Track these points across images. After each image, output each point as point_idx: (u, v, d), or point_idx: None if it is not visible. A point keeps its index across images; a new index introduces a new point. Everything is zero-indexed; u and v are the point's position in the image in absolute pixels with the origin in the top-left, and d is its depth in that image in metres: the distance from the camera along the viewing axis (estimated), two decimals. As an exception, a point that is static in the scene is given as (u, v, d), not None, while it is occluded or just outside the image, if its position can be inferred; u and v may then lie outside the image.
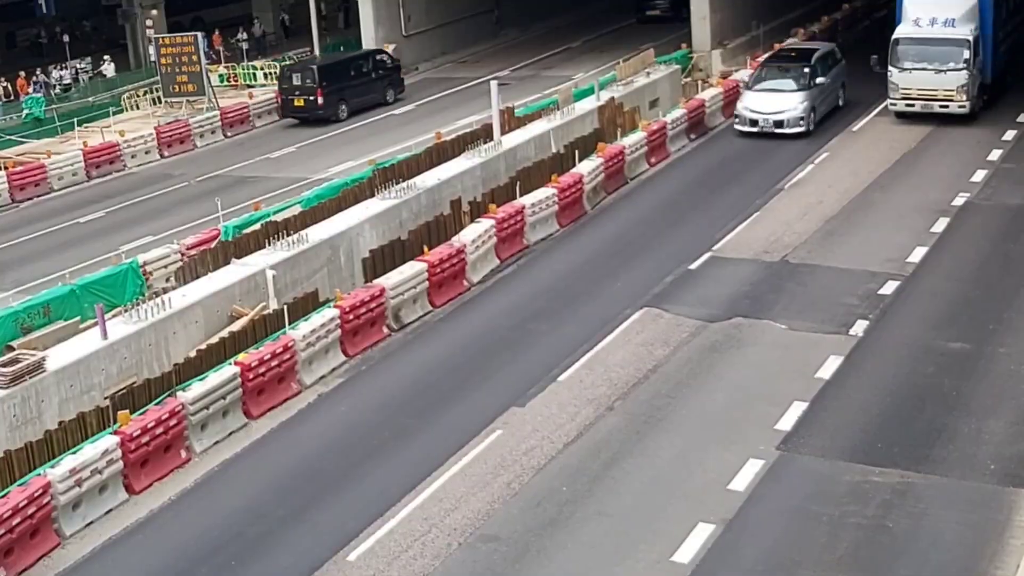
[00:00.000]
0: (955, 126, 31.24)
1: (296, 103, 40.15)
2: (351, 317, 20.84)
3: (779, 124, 31.43)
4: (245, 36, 53.15)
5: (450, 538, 15.26)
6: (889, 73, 31.36)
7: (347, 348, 20.91)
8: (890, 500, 15.28)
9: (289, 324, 20.29)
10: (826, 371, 18.83)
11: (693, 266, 23.51)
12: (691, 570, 14.21)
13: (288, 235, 23.18)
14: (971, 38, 30.54)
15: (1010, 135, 30.53)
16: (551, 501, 15.88)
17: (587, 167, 28.13)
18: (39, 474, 16.09)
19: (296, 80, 40.35)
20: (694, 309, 21.51)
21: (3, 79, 46.99)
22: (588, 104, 32.38)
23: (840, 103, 33.84)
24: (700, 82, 38.06)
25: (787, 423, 17.34)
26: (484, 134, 30.48)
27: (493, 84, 30.14)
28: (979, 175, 27.64)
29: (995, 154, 29.15)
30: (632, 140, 30.31)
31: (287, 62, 46.93)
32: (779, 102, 31.73)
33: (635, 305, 21.83)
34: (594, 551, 14.75)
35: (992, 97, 32.84)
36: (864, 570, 14.01)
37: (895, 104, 31.73)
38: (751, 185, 28.06)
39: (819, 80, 32.33)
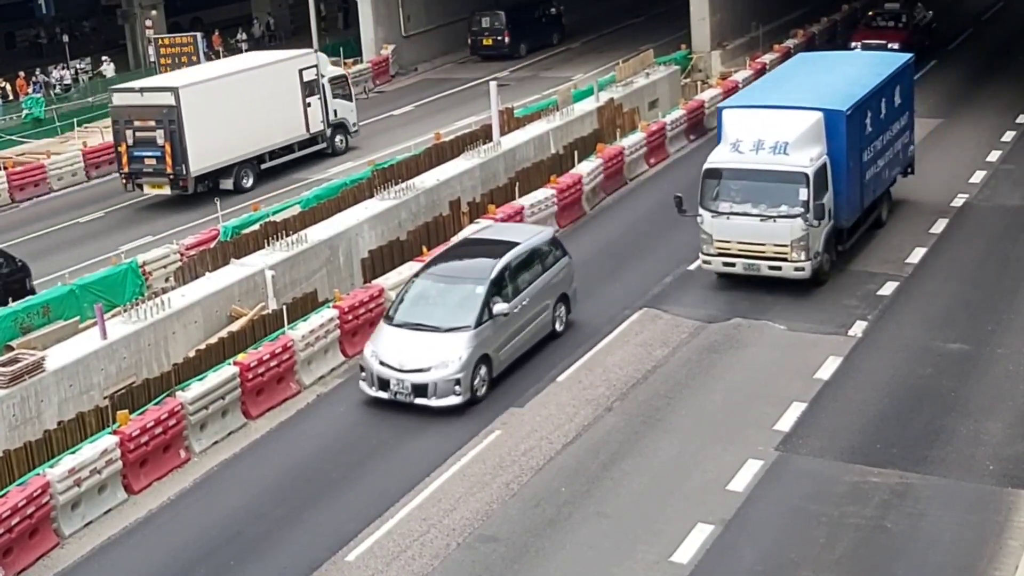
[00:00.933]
0: (958, 123, 31.30)
1: (485, 42, 47.78)
2: (350, 317, 20.84)
3: (420, 391, 18.60)
4: (244, 36, 53.20)
5: (449, 538, 15.27)
6: (699, 218, 22.00)
7: (346, 348, 20.91)
8: (889, 501, 15.30)
9: (288, 324, 20.29)
10: (825, 372, 18.86)
11: (692, 267, 23.48)
12: (690, 570, 14.22)
13: (287, 235, 23.20)
14: (810, 171, 21.00)
15: (1009, 136, 30.54)
16: (550, 502, 15.89)
17: (586, 168, 28.15)
18: (38, 474, 16.10)
19: (485, 23, 47.65)
20: (693, 310, 21.53)
21: (3, 79, 46.99)
22: (587, 105, 32.40)
23: (558, 328, 20.86)
24: (699, 83, 38.07)
25: (786, 424, 17.37)
26: (483, 135, 30.50)
27: (492, 85, 30.17)
28: (978, 176, 27.65)
29: (994, 155, 29.15)
30: (631, 141, 30.33)
31: None
32: (424, 351, 18.71)
33: (634, 306, 21.85)
34: (593, 551, 14.77)
35: (858, 242, 23.40)
36: (863, 570, 14.03)
37: (709, 262, 22.10)
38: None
39: (499, 309, 19.11)
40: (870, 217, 23.99)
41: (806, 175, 21.05)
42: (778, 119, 21.85)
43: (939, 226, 24.71)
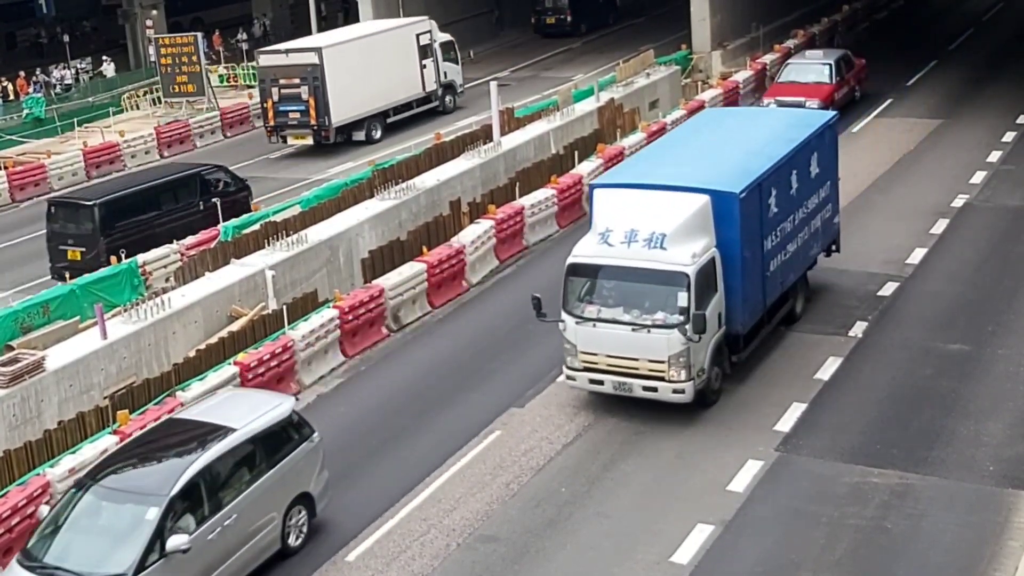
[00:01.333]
0: (958, 123, 31.21)
1: (548, 21, 51.44)
2: (350, 318, 20.85)
3: None
4: (245, 36, 53.24)
5: (449, 539, 15.27)
6: (561, 325, 17.91)
7: (346, 349, 20.92)
8: (889, 501, 15.30)
9: (288, 324, 20.30)
10: (825, 372, 18.84)
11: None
12: (690, 571, 14.22)
13: (287, 236, 23.20)
14: (692, 270, 16.94)
15: (1009, 137, 30.52)
16: (550, 502, 15.89)
17: (587, 168, 28.15)
18: (38, 474, 16.10)
19: (548, 3, 51.31)
20: (693, 310, 21.47)
21: (4, 79, 47.03)
22: (588, 105, 32.40)
23: (292, 542, 15.13)
24: (700, 83, 38.07)
25: (786, 424, 17.36)
26: (484, 135, 30.51)
27: (492, 85, 30.17)
28: (978, 177, 27.64)
29: (994, 156, 29.14)
30: (632, 141, 30.28)
31: None
32: None
33: (634, 306, 21.79)
34: (593, 552, 14.76)
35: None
36: (863, 571, 14.03)
37: (573, 378, 17.97)
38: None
39: (176, 543, 13.23)
40: (777, 314, 19.81)
41: (686, 275, 16.90)
42: (656, 203, 17.68)
43: (939, 227, 24.70)
